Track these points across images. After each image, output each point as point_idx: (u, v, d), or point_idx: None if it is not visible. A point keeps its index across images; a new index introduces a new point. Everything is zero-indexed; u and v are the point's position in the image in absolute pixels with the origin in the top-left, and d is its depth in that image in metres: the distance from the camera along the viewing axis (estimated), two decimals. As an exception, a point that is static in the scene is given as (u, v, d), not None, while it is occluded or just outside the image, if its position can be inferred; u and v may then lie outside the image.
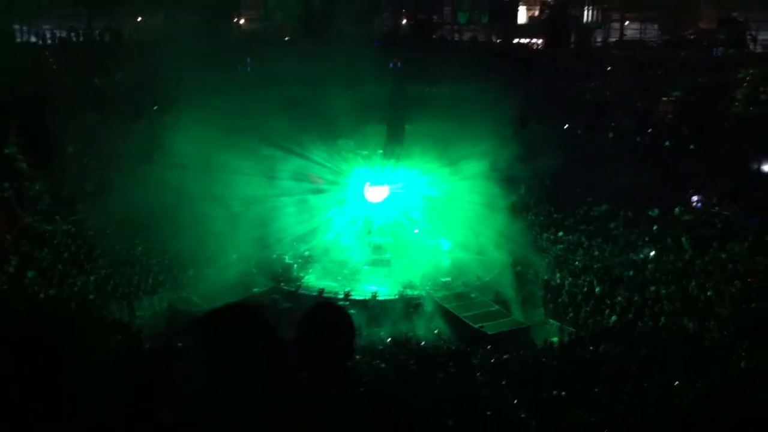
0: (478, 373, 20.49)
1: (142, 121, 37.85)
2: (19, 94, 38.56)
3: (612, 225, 33.39)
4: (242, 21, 55.98)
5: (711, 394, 17.20)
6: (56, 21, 49.33)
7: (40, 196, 35.55)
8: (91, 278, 28.02)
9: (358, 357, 23.14)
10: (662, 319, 23.89)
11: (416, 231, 32.36)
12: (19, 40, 47.98)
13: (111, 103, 39.36)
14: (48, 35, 48.49)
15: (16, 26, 48.55)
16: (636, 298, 25.89)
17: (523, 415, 16.83)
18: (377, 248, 31.39)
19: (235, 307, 2.73)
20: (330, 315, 3.53)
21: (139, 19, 51.86)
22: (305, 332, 3.43)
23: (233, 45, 47.43)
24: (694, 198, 34.13)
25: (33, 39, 48.74)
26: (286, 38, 49.72)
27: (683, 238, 30.55)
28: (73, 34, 48.55)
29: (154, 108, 38.72)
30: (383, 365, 21.45)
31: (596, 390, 18.38)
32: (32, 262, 29.10)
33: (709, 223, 31.74)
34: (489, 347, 23.66)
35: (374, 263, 30.85)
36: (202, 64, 35.66)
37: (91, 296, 26.51)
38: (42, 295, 25.77)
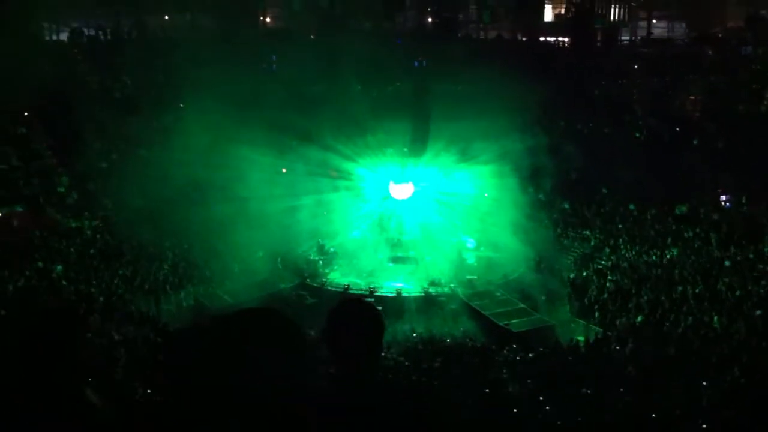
0: (504, 371, 20.45)
1: (167, 119, 38.10)
2: (46, 92, 38.96)
3: (639, 223, 33.20)
4: (267, 19, 56.17)
5: (737, 394, 17.07)
6: (84, 19, 49.70)
7: (68, 192, 35.89)
8: (120, 272, 28.26)
9: (382, 354, 23.16)
10: (689, 318, 23.71)
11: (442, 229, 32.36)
12: (47, 38, 48.42)
13: (137, 101, 39.66)
14: (76, 33, 48.90)
15: (45, 24, 48.95)
16: (663, 298, 25.71)
17: (547, 410, 16.79)
18: (396, 245, 31.43)
19: (258, 309, 2.75)
20: (358, 310, 3.57)
21: (166, 17, 52.20)
22: (334, 327, 3.47)
23: (258, 43, 47.58)
24: (723, 197, 33.86)
25: (62, 37, 49.17)
26: (312, 36, 49.79)
27: (711, 237, 30.34)
28: (101, 32, 48.97)
29: (181, 106, 38.94)
30: (407, 363, 21.48)
31: (621, 390, 18.30)
32: (60, 257, 29.42)
33: (737, 222, 31.47)
34: (514, 345, 23.60)
35: (399, 260, 30.86)
36: (227, 63, 35.92)
37: (120, 290, 26.73)
38: (71, 290, 26.03)
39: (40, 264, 28.24)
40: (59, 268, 28.01)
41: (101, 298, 25.64)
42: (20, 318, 2.57)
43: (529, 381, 19.68)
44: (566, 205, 35.94)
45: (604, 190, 35.96)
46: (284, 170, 33.70)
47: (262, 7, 54.92)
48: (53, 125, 37.93)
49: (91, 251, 30.34)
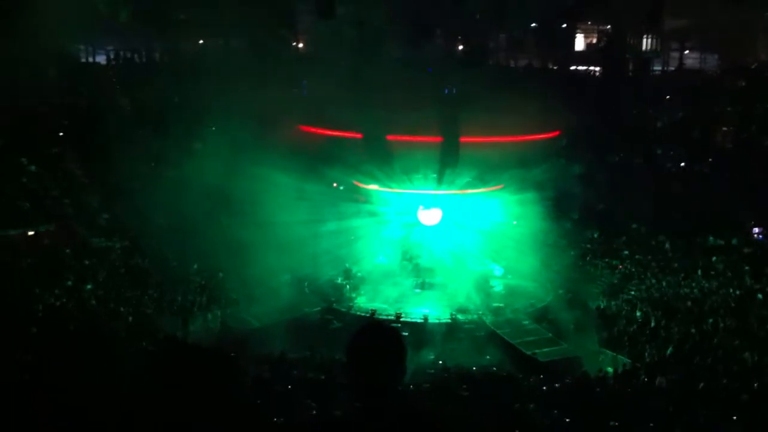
0: (531, 405, 20.22)
1: (198, 141, 38.47)
2: (80, 113, 39.50)
3: (669, 254, 32.86)
4: (300, 45, 56.68)
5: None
6: (118, 42, 50.34)
7: (99, 212, 36.25)
8: (149, 292, 28.43)
9: (406, 380, 23.02)
10: (719, 352, 23.33)
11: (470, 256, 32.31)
12: (83, 60, 49.13)
13: (169, 123, 40.06)
14: (111, 56, 49.62)
15: (81, 47, 49.68)
16: (693, 330, 25.36)
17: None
18: (421, 271, 31.45)
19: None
20: (380, 335, 3.52)
21: (200, 41, 52.84)
22: (356, 352, 3.42)
23: (289, 67, 47.94)
24: (756, 230, 33.45)
25: (97, 59, 49.89)
26: (342, 62, 50.10)
27: (743, 270, 29.94)
28: (135, 55, 49.68)
29: (212, 128, 39.30)
30: (431, 389, 21.33)
31: (651, 424, 18.02)
32: (90, 275, 29.65)
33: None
34: (541, 375, 23.39)
35: (425, 287, 30.87)
36: (259, 86, 36.20)
37: (148, 311, 26.88)
38: (100, 309, 26.22)
39: (70, 282, 28.50)
40: (89, 286, 28.24)
41: (130, 318, 25.81)
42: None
43: (555, 411, 19.47)
44: (595, 235, 35.71)
45: (634, 221, 35.68)
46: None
47: (294, 33, 55.38)
48: (86, 146, 38.41)
49: (121, 271, 30.57)
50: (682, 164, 40.73)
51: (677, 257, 32.56)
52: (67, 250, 32.05)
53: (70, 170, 37.92)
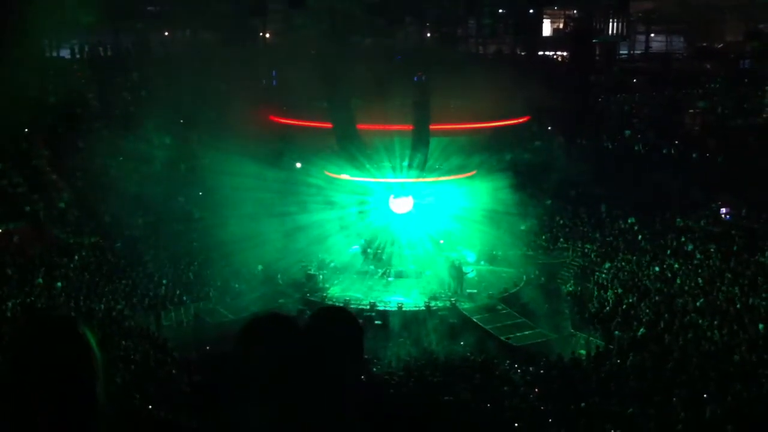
0: (505, 387, 20.38)
1: (168, 136, 38.19)
2: (47, 108, 38.95)
3: (639, 237, 33.15)
4: (267, 35, 56.26)
5: (739, 409, 17.00)
6: (84, 35, 49.59)
7: (68, 208, 35.85)
8: (119, 288, 28.20)
9: (381, 369, 23.16)
10: (689, 332, 23.59)
11: (441, 242, 32.39)
12: (48, 54, 48.38)
13: (137, 117, 39.73)
14: (77, 49, 48.88)
15: (45, 40, 48.92)
16: (663, 311, 25.63)
17: (549, 423, 16.74)
18: (384, 260, 31.53)
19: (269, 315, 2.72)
20: (334, 316, 3.23)
21: (166, 33, 52.31)
22: (314, 341, 3.16)
23: (258, 58, 47.68)
24: (723, 210, 33.83)
25: (62, 54, 49.14)
26: (312, 52, 49.87)
27: (711, 250, 30.29)
28: (101, 48, 49.00)
29: (180, 122, 39.00)
30: (408, 377, 21.42)
31: (624, 403, 18.23)
32: (60, 273, 29.35)
33: (738, 235, 31.40)
34: (515, 359, 23.56)
35: (399, 275, 30.91)
36: (228, 78, 35.98)
37: (119, 306, 26.67)
38: (71, 305, 25.97)
39: (40, 280, 28.19)
40: (59, 284, 27.94)
41: (101, 314, 25.60)
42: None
43: (531, 395, 19.64)
44: (566, 219, 35.94)
45: (604, 204, 35.94)
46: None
47: (262, 23, 54.99)
48: (54, 141, 37.95)
49: (91, 267, 30.28)
50: (651, 147, 41.05)
51: (647, 239, 32.85)
52: (37, 248, 31.67)
53: (39, 166, 37.44)
